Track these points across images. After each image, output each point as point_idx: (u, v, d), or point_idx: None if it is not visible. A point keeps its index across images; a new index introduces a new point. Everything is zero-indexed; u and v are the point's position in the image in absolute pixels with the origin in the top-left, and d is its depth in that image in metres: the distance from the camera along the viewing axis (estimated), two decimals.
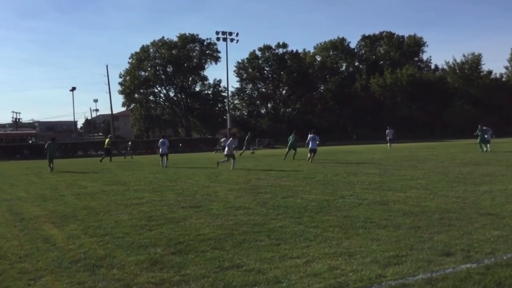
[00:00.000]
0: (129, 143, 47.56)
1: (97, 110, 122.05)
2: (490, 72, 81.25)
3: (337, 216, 8.82)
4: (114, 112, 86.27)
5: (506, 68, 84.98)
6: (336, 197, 11.29)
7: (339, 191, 12.29)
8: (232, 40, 68.90)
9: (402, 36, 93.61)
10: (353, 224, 8.05)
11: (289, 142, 29.83)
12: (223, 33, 68.22)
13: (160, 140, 27.42)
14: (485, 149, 28.99)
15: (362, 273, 5.35)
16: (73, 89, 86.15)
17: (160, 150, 26.72)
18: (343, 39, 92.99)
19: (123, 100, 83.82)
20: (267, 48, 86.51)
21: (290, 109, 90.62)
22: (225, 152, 22.83)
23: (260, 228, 8.01)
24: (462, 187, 12.26)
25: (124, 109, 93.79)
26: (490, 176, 14.45)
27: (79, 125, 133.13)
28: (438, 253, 6.01)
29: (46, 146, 28.47)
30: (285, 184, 14.52)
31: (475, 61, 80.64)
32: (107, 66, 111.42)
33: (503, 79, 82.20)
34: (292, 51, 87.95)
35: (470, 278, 5.02)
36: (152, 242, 7.24)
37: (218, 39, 69.02)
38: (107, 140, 37.96)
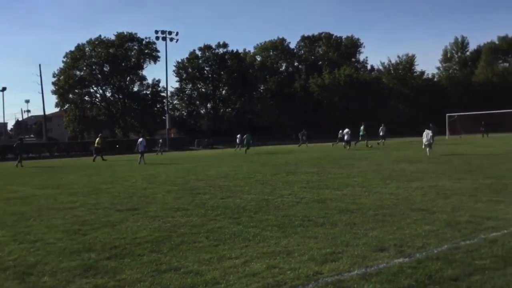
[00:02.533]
0: (160, 140, 54.36)
1: (28, 111, 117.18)
2: (422, 73, 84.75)
3: (275, 215, 8.90)
4: (47, 113, 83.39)
5: (438, 68, 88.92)
6: (275, 196, 11.39)
7: (278, 191, 12.42)
8: (171, 39, 68.31)
9: (340, 37, 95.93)
10: (291, 222, 8.15)
11: (245, 141, 39.31)
12: (163, 32, 67.49)
13: (139, 140, 30.88)
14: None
15: (299, 271, 5.43)
16: (3, 89, 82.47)
17: (139, 148, 29.72)
18: (283, 40, 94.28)
19: (56, 101, 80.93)
20: (207, 47, 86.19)
21: (230, 109, 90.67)
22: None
23: (199, 229, 7.96)
24: (395, 184, 12.69)
25: (57, 109, 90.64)
26: (421, 173, 15.05)
27: (9, 126, 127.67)
28: (372, 249, 6.18)
29: (15, 145, 35.12)
30: (224, 185, 14.52)
31: (408, 62, 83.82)
32: (40, 65, 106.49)
33: (435, 79, 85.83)
34: (232, 51, 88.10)
35: (403, 272, 5.19)
36: (86, 247, 7.03)
37: (157, 38, 68.29)
38: (97, 139, 37.85)
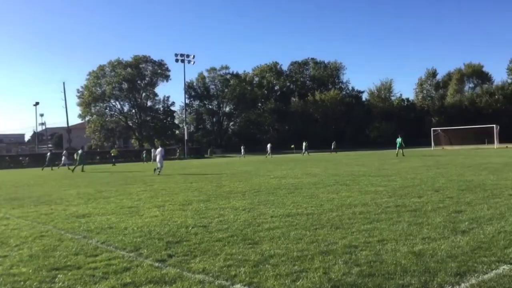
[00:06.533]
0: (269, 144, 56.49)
1: (43, 123, 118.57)
2: (401, 95, 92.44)
3: None
4: (65, 125, 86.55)
5: (415, 91, 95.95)
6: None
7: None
8: (189, 61, 73.13)
9: (323, 61, 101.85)
10: None
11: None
12: (181, 55, 72.38)
13: (158, 149, 28.25)
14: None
15: None
16: (37, 103, 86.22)
17: (157, 158, 27.13)
18: (276, 63, 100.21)
19: (79, 112, 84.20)
20: (212, 69, 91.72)
21: (232, 123, 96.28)
22: None
23: None
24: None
25: (77, 122, 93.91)
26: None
27: (27, 138, 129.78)
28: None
29: (80, 153, 35.07)
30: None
31: (388, 85, 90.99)
32: (64, 83, 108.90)
33: (413, 102, 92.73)
34: (233, 72, 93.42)
35: None
36: None
37: (176, 60, 72.86)
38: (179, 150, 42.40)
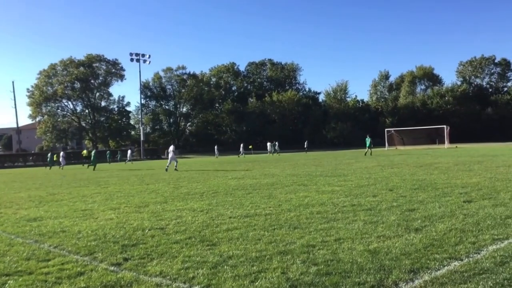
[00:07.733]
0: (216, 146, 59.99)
1: None
2: (356, 96, 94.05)
3: None
4: (14, 126, 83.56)
5: (369, 92, 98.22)
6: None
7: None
8: (144, 61, 71.99)
9: (281, 63, 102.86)
10: None
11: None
12: (137, 54, 71.12)
13: (171, 147, 29.41)
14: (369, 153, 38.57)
15: None
16: None
17: (170, 155, 28.71)
18: (233, 63, 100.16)
19: (30, 112, 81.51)
20: (169, 69, 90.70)
21: (190, 123, 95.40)
22: None
23: None
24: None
25: (28, 123, 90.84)
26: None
27: None
28: None
29: (93, 153, 37.60)
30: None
31: (343, 86, 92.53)
32: (13, 82, 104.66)
33: (368, 103, 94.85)
34: (189, 72, 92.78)
35: None
36: None
37: (132, 60, 71.58)
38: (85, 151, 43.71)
